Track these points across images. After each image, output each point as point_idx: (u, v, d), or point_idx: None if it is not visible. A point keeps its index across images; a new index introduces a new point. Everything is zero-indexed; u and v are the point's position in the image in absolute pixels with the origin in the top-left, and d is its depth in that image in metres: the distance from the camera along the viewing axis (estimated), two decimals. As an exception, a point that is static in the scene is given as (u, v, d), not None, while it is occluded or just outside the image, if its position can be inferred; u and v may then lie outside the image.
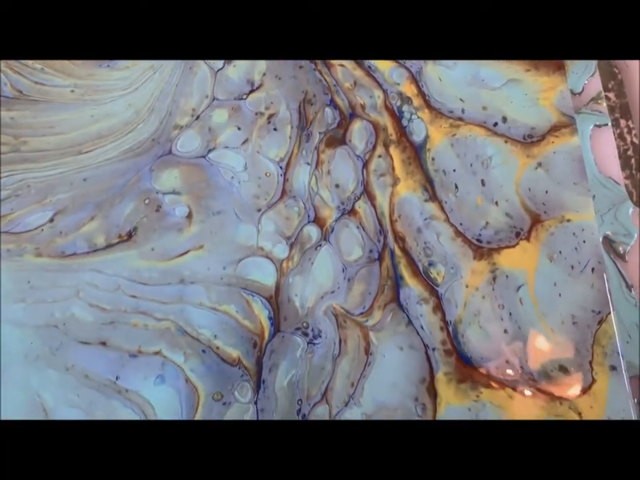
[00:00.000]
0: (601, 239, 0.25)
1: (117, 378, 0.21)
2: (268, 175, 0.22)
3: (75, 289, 0.21)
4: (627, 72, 0.28)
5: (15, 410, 0.20)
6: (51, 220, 0.21)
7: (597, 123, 0.26)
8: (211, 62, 0.24)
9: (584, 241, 0.23)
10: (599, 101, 0.26)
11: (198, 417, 0.20)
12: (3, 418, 0.20)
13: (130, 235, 0.22)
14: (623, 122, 0.28)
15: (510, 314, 0.22)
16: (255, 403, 0.21)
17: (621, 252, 0.25)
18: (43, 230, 0.21)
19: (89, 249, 0.21)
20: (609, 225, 0.25)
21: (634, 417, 0.23)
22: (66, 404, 0.20)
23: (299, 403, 0.21)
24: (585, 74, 0.26)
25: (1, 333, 0.20)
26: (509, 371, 0.22)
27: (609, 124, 0.26)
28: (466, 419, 0.22)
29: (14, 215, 0.20)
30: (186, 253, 0.22)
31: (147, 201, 0.22)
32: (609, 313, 0.22)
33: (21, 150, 0.21)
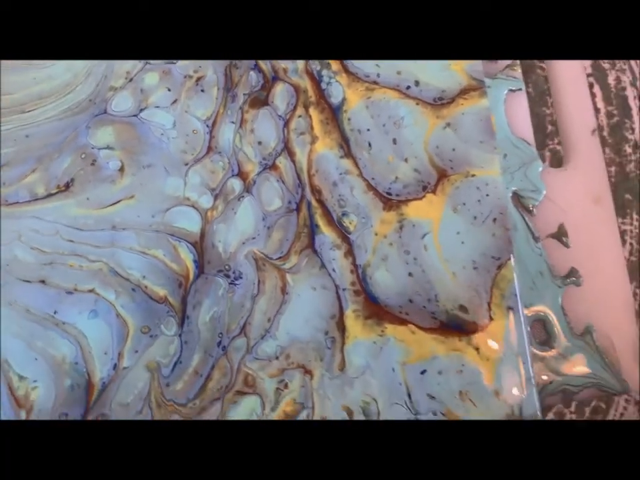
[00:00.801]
0: (510, 195, 0.27)
1: (54, 312, 0.22)
2: (195, 132, 0.24)
3: (17, 234, 0.22)
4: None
5: None
6: None
7: (511, 88, 0.27)
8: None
9: (487, 194, 0.25)
10: (514, 68, 0.28)
11: (127, 348, 0.22)
12: None
13: (67, 186, 0.23)
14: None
15: (415, 259, 0.24)
16: (180, 335, 0.23)
17: (529, 207, 0.27)
18: None
19: (30, 198, 0.23)
20: (519, 181, 0.27)
21: (529, 358, 0.25)
22: (9, 334, 0.22)
23: (220, 336, 0.23)
24: (501, 41, 0.28)
25: None
26: (412, 309, 0.24)
27: (523, 89, 0.28)
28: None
29: None
30: (118, 202, 0.23)
31: (83, 156, 0.23)
32: (509, 259, 0.24)
33: None
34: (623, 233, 0.33)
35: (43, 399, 0.22)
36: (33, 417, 0.21)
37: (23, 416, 0.21)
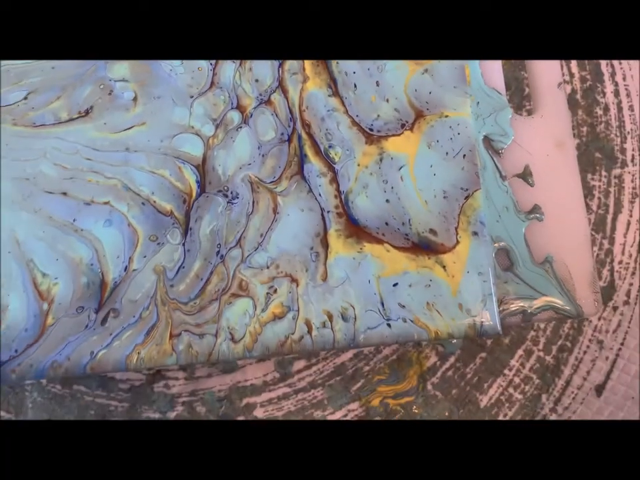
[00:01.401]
0: (481, 138, 0.29)
1: (74, 220, 0.24)
2: (200, 69, 0.26)
3: (42, 152, 0.25)
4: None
5: None
6: (25, 98, 0.25)
7: None
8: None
9: (458, 133, 0.27)
10: None
11: (137, 253, 0.24)
12: None
13: (87, 112, 0.25)
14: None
15: (392, 188, 0.26)
16: (183, 244, 0.25)
17: (498, 149, 0.28)
18: (18, 105, 0.25)
19: (54, 121, 0.25)
20: (490, 126, 0.28)
21: (491, 277, 0.27)
22: (34, 238, 0.24)
23: (218, 246, 0.25)
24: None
25: None
26: (388, 231, 0.26)
27: None
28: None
29: None
30: (131, 127, 0.25)
31: (101, 86, 0.26)
32: (476, 190, 0.27)
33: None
34: (592, 188, 0.36)
35: (63, 294, 0.24)
36: (53, 309, 0.24)
37: (45, 307, 0.24)
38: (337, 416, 0.32)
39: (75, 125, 0.25)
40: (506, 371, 0.34)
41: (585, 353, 0.34)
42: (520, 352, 0.34)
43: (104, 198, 0.25)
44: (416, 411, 0.33)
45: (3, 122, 0.25)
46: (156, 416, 0.30)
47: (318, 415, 0.32)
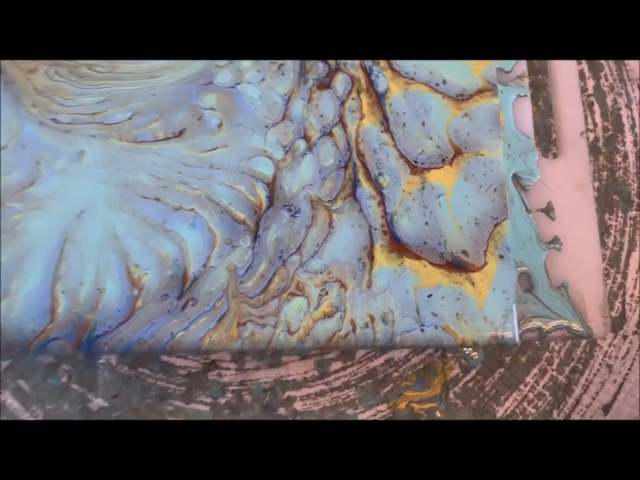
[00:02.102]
0: (511, 175, 0.33)
1: (164, 222, 0.27)
2: (275, 104, 0.30)
3: (141, 163, 0.28)
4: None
5: (95, 237, 0.27)
6: (130, 118, 0.29)
7: (519, 94, 0.32)
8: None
9: (491, 170, 0.30)
10: (523, 79, 0.34)
11: (214, 253, 0.28)
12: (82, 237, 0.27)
13: (180, 133, 0.29)
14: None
15: (431, 212, 0.29)
16: (252, 248, 0.28)
17: (525, 186, 0.31)
18: (123, 124, 0.29)
19: (153, 139, 0.29)
20: (519, 166, 0.31)
21: (513, 295, 0.30)
22: (130, 235, 0.28)
23: (281, 252, 0.28)
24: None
25: (92, 187, 0.28)
26: (426, 249, 0.29)
27: (528, 95, 0.33)
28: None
29: (106, 112, 0.29)
30: (215, 149, 0.29)
31: (193, 113, 0.29)
32: (504, 219, 0.30)
33: (114, 72, 0.31)
34: (609, 227, 0.40)
35: (151, 283, 0.27)
36: (142, 295, 0.27)
37: (135, 293, 0.28)
38: (367, 415, 0.35)
39: (169, 143, 0.29)
40: (521, 387, 0.36)
41: (594, 375, 0.37)
42: (535, 370, 0.36)
43: (190, 205, 0.28)
44: (438, 415, 0.36)
45: (111, 137, 0.29)
46: (208, 400, 0.34)
47: (350, 412, 0.35)
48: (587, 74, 0.42)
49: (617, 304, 0.38)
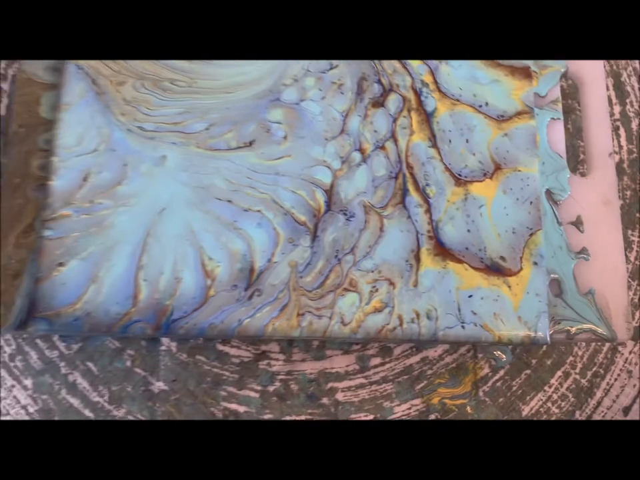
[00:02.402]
0: (544, 190, 0.36)
1: (235, 221, 0.30)
2: (334, 119, 0.33)
3: (216, 169, 0.30)
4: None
5: (174, 232, 0.29)
6: (207, 128, 0.31)
7: (553, 117, 0.35)
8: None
9: (527, 185, 0.33)
10: (557, 103, 0.37)
11: (278, 250, 0.30)
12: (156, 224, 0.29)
13: (250, 144, 0.31)
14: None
15: (473, 221, 0.31)
16: (311, 247, 0.30)
17: (557, 200, 0.34)
18: (201, 133, 0.31)
19: (226, 148, 0.31)
20: (551, 182, 0.34)
21: (545, 298, 0.34)
22: (205, 231, 0.29)
23: (337, 252, 0.30)
24: (550, 83, 0.36)
25: (173, 188, 0.31)
26: (467, 254, 0.31)
27: (561, 118, 0.36)
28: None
29: (186, 122, 0.31)
30: (281, 158, 0.31)
31: (262, 126, 0.32)
32: (538, 230, 0.32)
33: (192, 87, 0.34)
34: (631, 242, 0.43)
35: (222, 274, 0.29)
36: (214, 285, 0.29)
37: (208, 283, 0.30)
38: (402, 408, 0.38)
39: (241, 152, 0.31)
40: (546, 388, 0.39)
41: (615, 379, 0.39)
42: (559, 373, 0.38)
43: (257, 207, 0.30)
44: (468, 411, 0.39)
45: (190, 144, 0.33)
46: (258, 388, 0.37)
47: (387, 405, 0.38)
48: (615, 100, 0.44)
49: (638, 314, 0.41)
